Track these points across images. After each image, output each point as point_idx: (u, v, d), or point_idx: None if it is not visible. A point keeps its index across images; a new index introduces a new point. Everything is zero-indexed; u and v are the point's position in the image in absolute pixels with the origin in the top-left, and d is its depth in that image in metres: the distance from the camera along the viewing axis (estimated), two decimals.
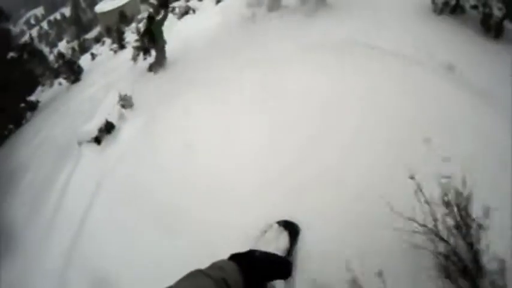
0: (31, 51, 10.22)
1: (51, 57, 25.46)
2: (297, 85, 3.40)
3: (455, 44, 3.36)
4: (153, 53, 6.41)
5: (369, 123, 2.59)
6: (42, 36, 43.51)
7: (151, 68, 6.13)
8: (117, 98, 4.48)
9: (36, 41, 40.88)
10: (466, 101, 2.59)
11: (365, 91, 2.93)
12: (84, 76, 9.85)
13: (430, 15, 3.91)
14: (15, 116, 9.70)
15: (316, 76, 3.38)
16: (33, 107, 10.68)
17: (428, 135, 2.27)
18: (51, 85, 12.85)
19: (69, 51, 24.89)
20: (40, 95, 13.21)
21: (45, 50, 31.60)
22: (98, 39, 22.03)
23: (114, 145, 3.84)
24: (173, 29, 8.70)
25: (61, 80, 9.72)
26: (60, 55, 9.52)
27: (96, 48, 16.78)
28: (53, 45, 38.71)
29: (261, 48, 4.32)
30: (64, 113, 6.86)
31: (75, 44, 25.87)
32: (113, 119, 4.20)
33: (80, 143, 4.01)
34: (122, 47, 9.71)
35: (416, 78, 2.92)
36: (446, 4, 3.92)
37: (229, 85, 3.98)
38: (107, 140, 4.02)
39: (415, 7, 4.04)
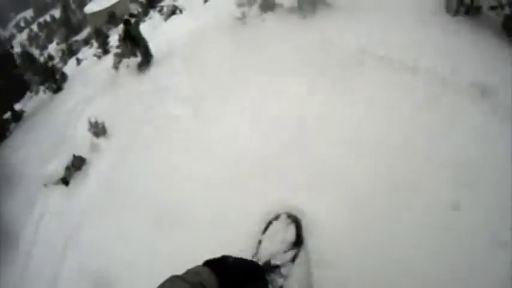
0: (11, 59, 9.66)
1: (42, 60, 24.78)
2: (295, 103, 2.91)
3: (479, 54, 2.77)
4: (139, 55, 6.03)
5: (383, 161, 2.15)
6: (32, 38, 42.57)
7: (140, 66, 5.78)
8: (87, 125, 3.94)
9: (26, 43, 40.09)
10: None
11: (378, 115, 2.43)
12: (67, 84, 9.31)
13: (444, 17, 3.35)
14: None
15: (317, 94, 2.88)
16: (18, 117, 10.14)
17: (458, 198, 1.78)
18: (37, 92, 12.28)
19: (59, 54, 24.15)
20: (27, 103, 12.64)
21: (36, 52, 30.90)
22: (87, 41, 21.33)
23: (84, 187, 3.34)
24: (159, 31, 8.16)
25: (44, 89, 9.11)
26: (43, 64, 8.90)
27: (83, 52, 16.17)
28: (43, 47, 37.85)
29: (252, 56, 3.80)
30: (43, 128, 6.30)
31: (64, 46, 25.14)
32: (84, 150, 3.67)
33: (45, 185, 3.50)
34: (106, 51, 9.12)
35: (437, 100, 2.38)
36: (461, 4, 3.38)
37: (215, 99, 3.51)
38: (75, 179, 3.51)
39: (427, 7, 3.49)
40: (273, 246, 1.83)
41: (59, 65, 17.72)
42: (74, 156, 3.61)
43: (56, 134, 5.12)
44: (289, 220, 1.94)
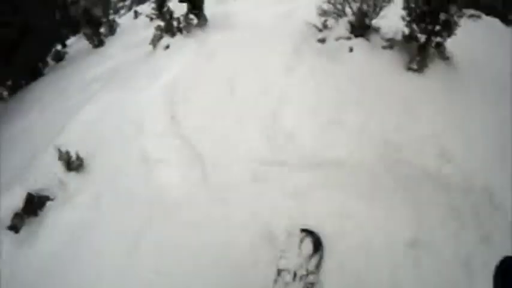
0: None
1: None
2: None
3: None
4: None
5: None
6: None
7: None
8: (56, 154, 2.83)
9: None
10: None
11: None
12: (113, 38, 8.39)
13: None
14: (34, 66, 8.53)
15: None
16: (60, 58, 9.55)
17: None
18: None
19: None
20: (77, 42, 12.07)
21: None
22: None
23: (37, 242, 2.32)
24: (225, 8, 6.86)
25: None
26: (88, 13, 7.93)
27: (149, 3, 15.31)
28: None
29: (317, 122, 2.43)
30: (51, 104, 5.29)
31: None
32: (50, 185, 2.62)
33: None
34: (161, 15, 7.97)
35: None
36: None
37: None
38: (30, 225, 2.49)
39: None
40: (293, 262, 1.85)
41: (123, 10, 17.19)
42: (29, 195, 2.56)
43: (55, 124, 4.00)
44: (303, 234, 1.94)
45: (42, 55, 8.88)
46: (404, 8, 2.94)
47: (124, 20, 11.23)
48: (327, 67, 2.98)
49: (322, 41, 3.48)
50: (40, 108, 5.28)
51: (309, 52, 3.36)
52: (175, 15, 5.55)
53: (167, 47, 5.04)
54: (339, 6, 3.55)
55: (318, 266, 1.84)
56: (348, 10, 3.50)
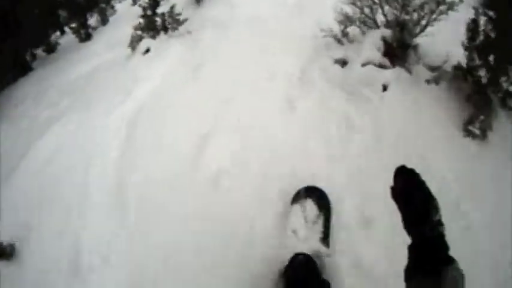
0: None
1: None
2: None
3: None
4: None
5: None
6: None
7: None
8: None
9: None
10: None
11: None
12: (103, 30, 7.49)
13: None
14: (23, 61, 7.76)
15: None
16: (52, 49, 8.75)
17: None
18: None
19: None
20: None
21: None
22: None
23: None
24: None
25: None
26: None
27: None
28: None
29: None
30: (33, 105, 4.43)
31: None
32: None
33: None
34: (156, 5, 6.99)
35: None
36: None
37: None
38: None
39: None
40: (300, 228, 1.72)
41: None
42: None
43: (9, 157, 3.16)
44: (305, 195, 1.82)
45: (32, 47, 8.07)
46: (468, 30, 1.88)
47: (122, 5, 10.23)
48: (346, 113, 1.98)
49: (341, 62, 2.43)
50: (15, 117, 4.45)
51: (322, 79, 2.35)
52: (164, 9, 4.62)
53: (147, 51, 4.08)
54: (367, 11, 2.48)
55: (327, 221, 1.72)
56: (379, 18, 2.44)
